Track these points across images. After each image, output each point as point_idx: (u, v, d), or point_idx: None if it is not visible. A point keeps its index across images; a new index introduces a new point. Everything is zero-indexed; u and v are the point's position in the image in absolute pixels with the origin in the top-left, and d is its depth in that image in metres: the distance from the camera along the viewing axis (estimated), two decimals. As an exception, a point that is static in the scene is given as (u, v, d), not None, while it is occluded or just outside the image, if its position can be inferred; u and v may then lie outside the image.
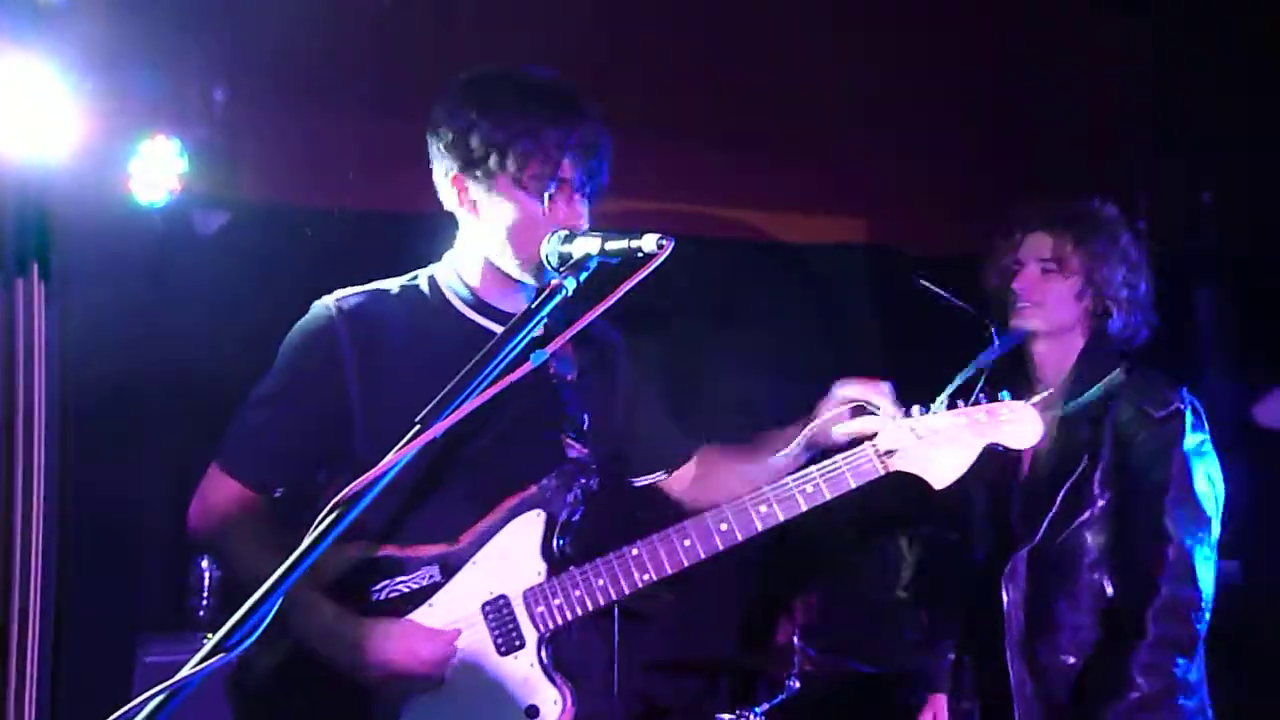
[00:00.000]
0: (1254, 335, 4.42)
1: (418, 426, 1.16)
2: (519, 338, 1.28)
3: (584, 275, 1.41)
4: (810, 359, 3.58)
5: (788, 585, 3.73)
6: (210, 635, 0.99)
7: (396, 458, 1.09)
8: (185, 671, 0.94)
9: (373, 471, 1.07)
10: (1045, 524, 2.11)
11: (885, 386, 1.67)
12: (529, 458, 1.62)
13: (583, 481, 1.65)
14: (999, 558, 2.18)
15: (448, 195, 1.65)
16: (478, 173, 1.58)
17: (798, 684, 3.09)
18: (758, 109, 3.76)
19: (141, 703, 0.93)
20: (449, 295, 1.69)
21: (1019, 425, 1.63)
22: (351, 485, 1.06)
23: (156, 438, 3.32)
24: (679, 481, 1.87)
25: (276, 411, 1.64)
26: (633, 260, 1.38)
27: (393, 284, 1.72)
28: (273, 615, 1.00)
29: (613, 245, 1.41)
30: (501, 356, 1.25)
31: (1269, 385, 3.78)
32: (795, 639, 3.13)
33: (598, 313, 1.31)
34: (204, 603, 3.13)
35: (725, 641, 3.81)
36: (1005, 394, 1.65)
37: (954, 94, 3.58)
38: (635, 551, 1.59)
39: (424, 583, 1.59)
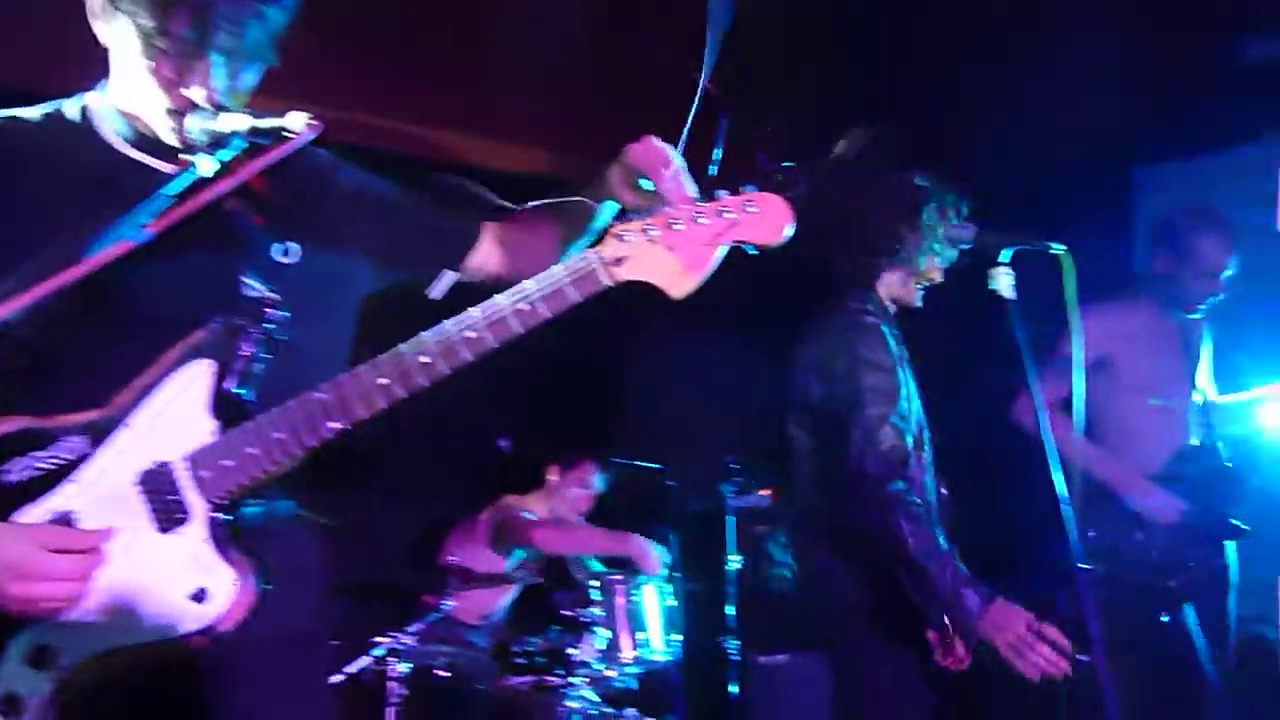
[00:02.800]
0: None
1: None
2: (137, 215, 1.20)
3: (227, 154, 1.32)
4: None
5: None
6: None
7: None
8: None
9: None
10: None
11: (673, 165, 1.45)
12: (200, 303, 1.40)
13: (264, 325, 1.41)
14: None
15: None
16: None
17: (452, 603, 3.08)
18: (454, 24, 3.61)
19: None
20: (102, 126, 1.48)
21: (765, 217, 1.42)
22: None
23: None
24: (482, 266, 1.67)
25: None
26: (280, 140, 1.34)
27: (32, 112, 1.49)
28: None
29: (262, 124, 1.35)
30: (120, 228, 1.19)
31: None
32: (451, 557, 3.12)
33: (226, 189, 1.28)
34: None
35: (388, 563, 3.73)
36: (751, 186, 1.44)
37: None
38: (321, 394, 1.36)
39: (68, 457, 1.34)
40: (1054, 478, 2.04)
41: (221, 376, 1.40)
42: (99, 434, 1.38)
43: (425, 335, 1.40)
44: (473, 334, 1.39)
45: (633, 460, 3.82)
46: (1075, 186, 4.29)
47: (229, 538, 1.38)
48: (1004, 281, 2.07)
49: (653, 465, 3.89)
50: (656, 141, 1.49)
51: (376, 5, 3.51)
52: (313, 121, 1.31)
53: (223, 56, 1.40)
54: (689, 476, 3.87)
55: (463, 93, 4.12)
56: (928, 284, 2.39)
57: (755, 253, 1.45)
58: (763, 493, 4.32)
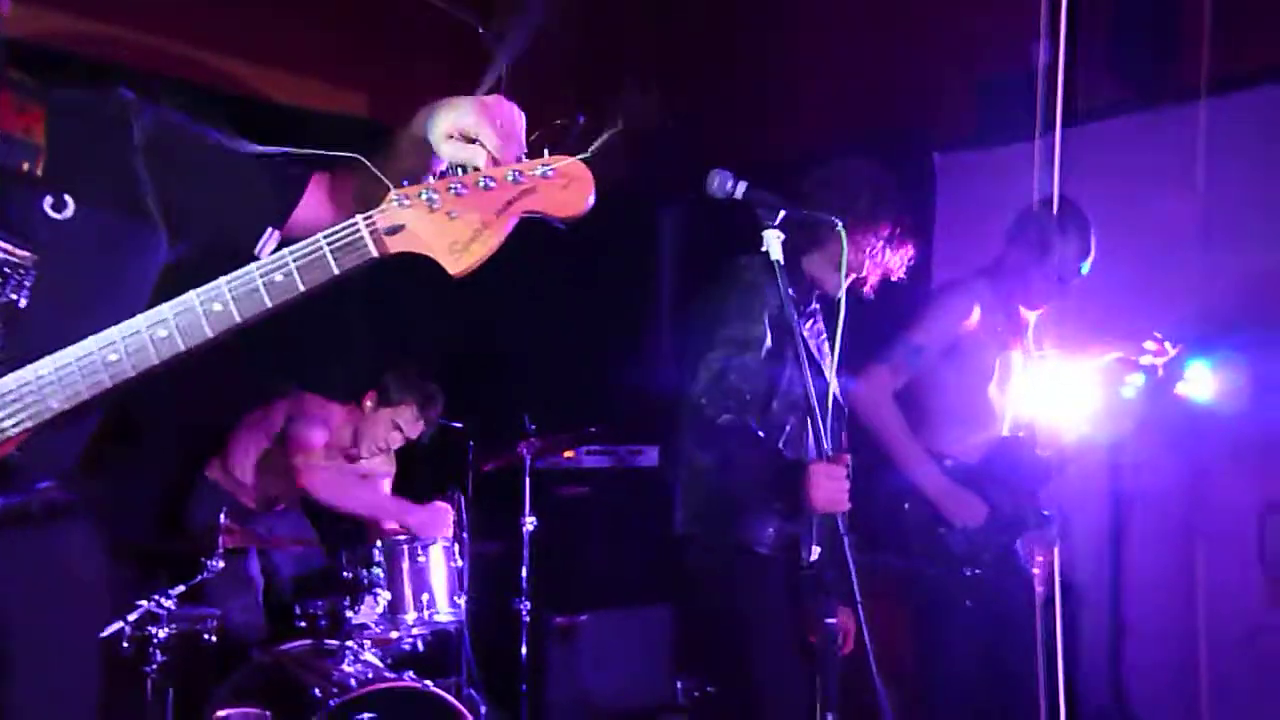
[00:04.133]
0: (711, 256, 4.98)
1: None
2: None
3: None
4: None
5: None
6: None
7: None
8: None
9: None
10: None
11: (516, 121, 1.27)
12: None
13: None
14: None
15: None
16: None
17: (221, 563, 2.91)
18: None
19: None
20: None
21: (566, 185, 1.25)
22: None
23: None
24: (313, 223, 1.46)
25: None
26: None
27: None
28: None
29: None
30: None
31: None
32: (222, 516, 2.94)
33: None
34: None
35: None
36: (547, 153, 1.29)
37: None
38: (43, 371, 1.23)
39: None
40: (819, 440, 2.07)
41: None
42: None
43: (164, 308, 1.24)
44: (219, 306, 1.24)
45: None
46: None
47: None
48: (775, 244, 2.02)
49: (453, 423, 3.79)
50: (505, 102, 1.31)
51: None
52: None
53: None
54: (487, 435, 3.80)
55: (258, 18, 3.86)
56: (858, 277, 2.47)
57: (561, 227, 1.28)
58: (566, 454, 4.31)
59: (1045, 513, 3.12)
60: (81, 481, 1.48)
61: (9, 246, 1.29)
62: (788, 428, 2.41)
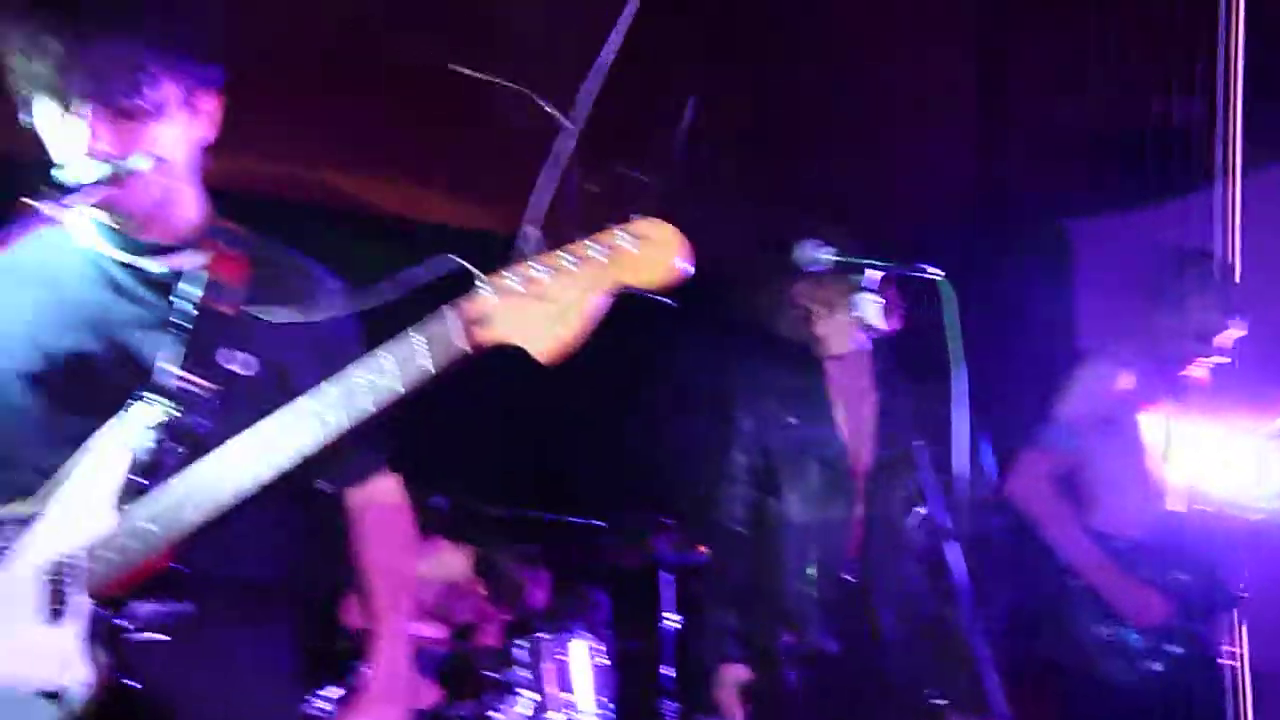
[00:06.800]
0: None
1: None
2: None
3: None
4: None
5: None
6: None
7: None
8: None
9: None
10: None
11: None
12: (122, 389, 1.39)
13: (179, 417, 1.37)
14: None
15: None
16: None
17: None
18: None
19: None
20: None
21: (648, 252, 1.14)
22: None
23: None
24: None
25: None
26: None
27: None
28: None
29: None
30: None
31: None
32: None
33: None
34: None
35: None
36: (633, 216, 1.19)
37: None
38: (177, 484, 1.30)
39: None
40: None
41: (135, 466, 1.36)
42: (26, 523, 1.38)
43: (282, 413, 1.29)
44: (332, 416, 1.25)
45: (566, 516, 3.71)
46: (1011, 238, 4.33)
47: (103, 636, 1.32)
48: (871, 309, 1.85)
49: (593, 522, 3.78)
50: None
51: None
52: None
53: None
54: (622, 532, 3.78)
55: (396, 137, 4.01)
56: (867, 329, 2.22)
57: (659, 298, 1.17)
58: (701, 549, 4.23)
59: (1240, 592, 2.83)
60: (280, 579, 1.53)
61: (200, 380, 1.41)
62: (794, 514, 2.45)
